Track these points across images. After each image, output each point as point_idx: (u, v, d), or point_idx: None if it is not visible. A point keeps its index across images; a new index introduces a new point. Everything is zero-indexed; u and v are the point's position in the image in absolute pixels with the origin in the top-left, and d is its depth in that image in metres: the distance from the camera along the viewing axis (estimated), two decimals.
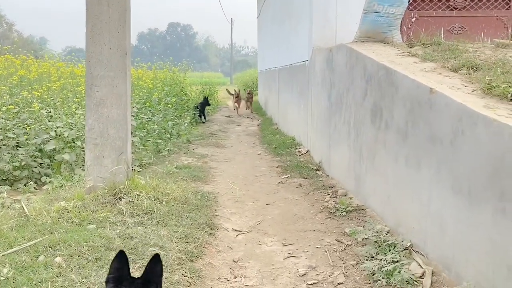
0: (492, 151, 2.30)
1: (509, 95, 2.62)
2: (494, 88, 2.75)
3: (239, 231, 3.92)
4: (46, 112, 6.34)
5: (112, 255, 2.79)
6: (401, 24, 6.13)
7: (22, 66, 9.11)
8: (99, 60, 4.01)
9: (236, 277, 3.04)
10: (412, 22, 6.54)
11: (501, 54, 3.83)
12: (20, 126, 5.79)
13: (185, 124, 9.36)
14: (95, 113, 4.01)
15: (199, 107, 11.84)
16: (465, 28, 6.49)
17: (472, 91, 2.87)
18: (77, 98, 7.32)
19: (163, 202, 3.96)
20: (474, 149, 2.46)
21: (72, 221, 3.33)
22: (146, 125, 7.93)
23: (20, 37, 38.19)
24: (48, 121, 6.01)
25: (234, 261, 3.29)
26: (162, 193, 4.14)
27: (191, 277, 2.77)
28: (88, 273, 2.52)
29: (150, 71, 14.04)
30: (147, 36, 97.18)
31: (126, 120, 4.05)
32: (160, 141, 7.38)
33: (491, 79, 2.84)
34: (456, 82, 3.12)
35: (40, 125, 5.76)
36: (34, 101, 6.61)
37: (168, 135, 8.03)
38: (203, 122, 11.48)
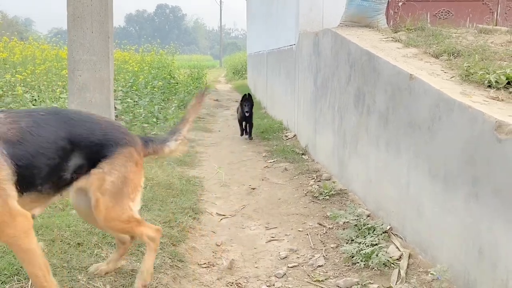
0: (466, 137, 2.35)
1: (486, 82, 2.67)
2: (472, 74, 2.79)
3: (223, 215, 3.96)
4: (30, 96, 6.27)
5: (94, 240, 2.82)
6: (387, 8, 6.13)
7: (6, 48, 8.95)
8: (81, 44, 3.96)
9: (218, 260, 3.08)
10: (399, 7, 6.54)
11: (483, 40, 3.86)
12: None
13: (173, 108, 9.31)
14: (78, 98, 3.98)
15: (244, 111, 7.17)
16: (451, 13, 6.51)
17: (451, 78, 2.90)
18: (61, 82, 7.23)
19: (147, 187, 3.98)
20: (450, 135, 2.51)
21: (55, 206, 3.33)
22: (133, 109, 7.88)
23: (4, 18, 37.28)
24: (33, 105, 5.95)
25: (217, 245, 3.33)
26: (146, 178, 4.13)
27: (172, 261, 2.80)
28: (70, 257, 2.54)
29: (137, 54, 13.89)
30: (135, 17, 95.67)
31: (109, 105, 4.03)
32: (146, 125, 7.34)
33: (469, 66, 2.88)
34: (436, 68, 3.16)
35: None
36: (18, 84, 6.53)
37: (155, 119, 7.99)
38: (250, 138, 7.29)
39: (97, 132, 2.10)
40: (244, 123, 7.40)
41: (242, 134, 7.49)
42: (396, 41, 4.19)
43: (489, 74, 2.68)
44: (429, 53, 3.60)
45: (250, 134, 7.29)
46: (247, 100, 7.26)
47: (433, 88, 2.66)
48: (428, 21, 5.84)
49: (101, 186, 2.06)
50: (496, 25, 5.66)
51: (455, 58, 3.37)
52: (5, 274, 2.31)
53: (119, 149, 2.13)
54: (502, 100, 2.47)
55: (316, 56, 5.62)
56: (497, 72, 2.67)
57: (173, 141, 2.46)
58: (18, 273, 2.33)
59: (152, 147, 2.39)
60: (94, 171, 2.06)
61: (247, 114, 7.17)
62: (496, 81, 2.63)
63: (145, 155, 2.34)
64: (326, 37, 5.14)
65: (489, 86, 2.67)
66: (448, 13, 6.48)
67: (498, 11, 6.58)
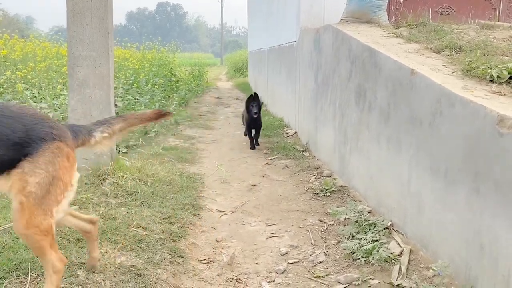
0: (468, 132, 2.33)
1: (488, 77, 2.65)
2: (474, 69, 2.77)
3: (224, 211, 3.95)
4: (31, 93, 6.27)
5: None
6: (389, 4, 6.11)
7: (6, 45, 8.94)
8: (81, 40, 3.95)
9: (218, 256, 3.07)
10: (401, 3, 6.51)
11: (485, 35, 3.84)
12: None
13: (173, 106, 9.31)
14: (78, 94, 3.97)
15: (252, 112, 6.12)
16: (453, 9, 6.48)
17: (452, 73, 2.88)
18: (61, 79, 7.23)
19: (148, 183, 3.97)
20: (452, 130, 2.49)
21: None
22: (133, 106, 7.87)
23: (5, 16, 37.31)
24: (33, 102, 5.95)
25: (217, 241, 3.33)
26: (147, 174, 4.14)
27: (172, 257, 2.80)
28: (69, 253, 2.53)
29: (138, 52, 13.87)
30: (136, 15, 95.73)
31: (109, 101, 4.02)
32: None
33: (471, 61, 2.85)
34: (437, 64, 3.14)
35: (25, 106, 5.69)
36: (18, 81, 6.52)
37: None
38: (257, 144, 6.36)
39: (18, 129, 1.86)
40: (253, 129, 6.25)
41: (253, 147, 6.24)
42: (397, 36, 4.17)
43: (491, 68, 2.66)
44: (431, 49, 3.58)
45: (257, 139, 6.29)
46: (254, 99, 6.20)
47: (435, 83, 2.64)
48: (430, 17, 5.81)
49: (24, 188, 1.85)
50: (498, 21, 5.63)
51: (456, 53, 3.35)
52: (4, 269, 2.30)
53: (44, 145, 1.91)
54: (504, 94, 2.45)
55: (317, 53, 5.60)
56: (499, 66, 2.65)
57: (99, 132, 2.23)
58: (17, 268, 2.33)
59: (82, 138, 2.17)
60: (14, 172, 1.86)
61: (255, 116, 6.08)
62: (498, 76, 2.61)
63: (76, 147, 2.13)
64: (327, 33, 5.12)
65: (491, 81, 2.65)
66: (449, 9, 6.45)
67: (501, 7, 6.55)
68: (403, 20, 5.31)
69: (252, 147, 6.27)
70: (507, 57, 2.98)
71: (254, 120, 6.16)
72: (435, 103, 2.64)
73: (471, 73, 2.78)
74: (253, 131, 6.34)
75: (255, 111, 6.11)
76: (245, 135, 6.59)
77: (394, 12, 6.45)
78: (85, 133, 2.19)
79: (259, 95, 6.46)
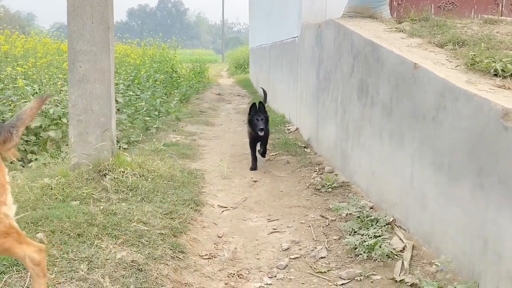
0: (472, 127, 2.31)
1: (492, 70, 2.62)
2: (478, 63, 2.74)
3: (225, 207, 3.93)
4: (31, 89, 6.24)
5: (94, 230, 2.79)
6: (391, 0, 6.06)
7: (7, 42, 8.92)
8: (82, 35, 3.92)
9: (219, 252, 3.06)
10: None
11: (488, 30, 3.81)
12: (5, 103, 5.70)
13: (174, 102, 9.29)
14: (78, 89, 3.95)
15: (258, 128, 4.82)
16: (455, 4, 6.43)
17: (456, 67, 2.85)
18: (62, 74, 7.21)
19: (149, 179, 3.95)
20: (455, 124, 2.46)
21: (56, 198, 3.31)
22: (134, 102, 7.86)
23: (6, 13, 37.26)
24: (34, 98, 5.92)
25: (218, 237, 3.31)
26: (148, 170, 4.12)
27: (174, 252, 2.78)
28: (70, 248, 2.52)
29: (139, 48, 13.84)
30: (137, 12, 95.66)
31: (110, 96, 4.00)
32: (148, 118, 7.32)
33: (474, 54, 2.83)
34: (441, 58, 3.11)
35: (25, 102, 5.67)
36: (19, 77, 6.50)
37: (157, 113, 7.97)
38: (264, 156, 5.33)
39: None
40: (259, 143, 5.14)
41: (254, 167, 5.00)
42: (400, 31, 4.13)
43: (495, 62, 2.63)
44: (434, 43, 3.55)
45: (264, 151, 5.23)
46: (260, 111, 4.87)
47: (438, 77, 2.61)
48: (432, 12, 5.77)
49: None
50: (501, 16, 5.58)
51: (460, 47, 3.31)
52: (4, 264, 2.29)
53: None
54: (509, 88, 2.43)
55: (318, 48, 5.57)
56: (503, 60, 2.62)
57: (15, 133, 1.91)
58: (17, 263, 2.31)
59: (4, 135, 1.86)
60: None
61: (261, 134, 4.82)
62: (502, 70, 2.58)
63: None
64: (329, 28, 5.08)
65: (495, 75, 2.62)
66: (452, 5, 6.41)
67: (504, 3, 6.50)
68: (405, 15, 5.27)
69: (254, 167, 5.01)
70: (511, 51, 2.95)
71: (260, 137, 4.97)
72: (438, 97, 2.61)
73: (475, 67, 2.75)
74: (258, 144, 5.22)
75: (262, 126, 4.78)
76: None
77: (396, 7, 6.40)
78: (6, 130, 1.89)
79: (259, 89, 6.10)
